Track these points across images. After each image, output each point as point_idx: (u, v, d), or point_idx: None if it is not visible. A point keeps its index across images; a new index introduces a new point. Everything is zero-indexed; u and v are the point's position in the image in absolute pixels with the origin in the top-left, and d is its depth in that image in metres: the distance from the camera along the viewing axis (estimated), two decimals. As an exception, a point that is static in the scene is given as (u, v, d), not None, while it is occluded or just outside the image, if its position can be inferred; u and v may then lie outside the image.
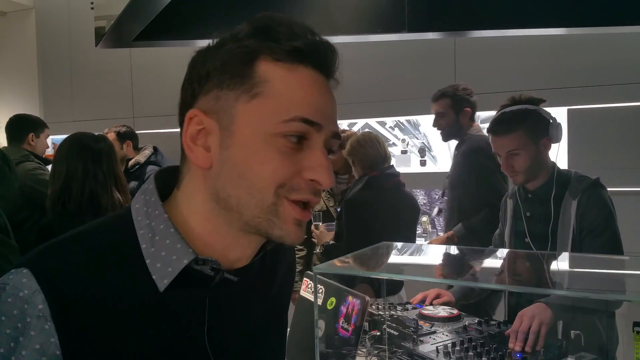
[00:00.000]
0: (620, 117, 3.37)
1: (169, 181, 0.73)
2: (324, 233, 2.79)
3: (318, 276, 1.55)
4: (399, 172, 2.69)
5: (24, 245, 2.11)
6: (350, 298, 1.44)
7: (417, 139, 4.20)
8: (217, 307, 0.71)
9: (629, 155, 3.31)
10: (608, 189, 1.81)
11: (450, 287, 2.02)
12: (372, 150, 2.59)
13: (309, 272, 1.75)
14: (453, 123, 2.84)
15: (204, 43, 0.71)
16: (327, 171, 0.65)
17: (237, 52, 0.65)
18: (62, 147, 2.09)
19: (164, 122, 4.48)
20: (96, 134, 2.21)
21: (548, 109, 1.87)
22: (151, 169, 3.52)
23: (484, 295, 2.00)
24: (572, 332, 1.48)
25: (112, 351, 0.63)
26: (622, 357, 1.09)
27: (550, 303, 1.51)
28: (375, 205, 2.54)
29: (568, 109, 3.46)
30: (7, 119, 3.23)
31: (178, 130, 0.72)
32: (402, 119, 4.21)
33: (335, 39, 3.07)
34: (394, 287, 2.46)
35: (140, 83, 5.20)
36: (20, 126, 3.21)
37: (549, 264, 1.54)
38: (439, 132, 2.92)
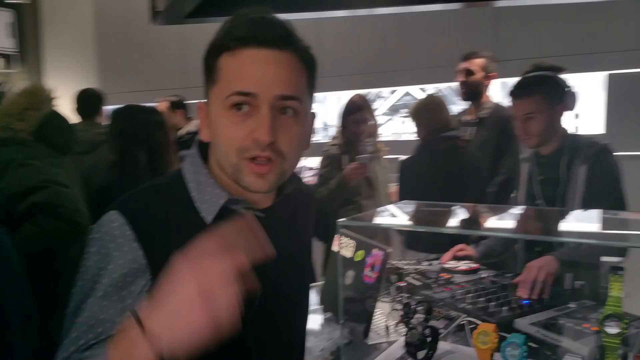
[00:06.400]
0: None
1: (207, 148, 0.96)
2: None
3: (351, 232, 1.75)
4: (457, 135, 2.64)
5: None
6: (374, 250, 1.63)
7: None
8: None
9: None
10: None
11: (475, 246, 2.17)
12: (432, 114, 2.64)
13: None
14: (478, 85, 2.94)
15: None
16: (263, 129, 0.82)
17: (207, 52, 0.89)
18: (117, 121, 2.34)
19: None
20: (146, 105, 2.45)
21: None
22: None
23: (504, 255, 2.13)
24: (577, 282, 1.61)
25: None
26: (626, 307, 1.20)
27: (558, 256, 1.65)
28: (424, 169, 2.59)
29: (609, 74, 3.43)
30: (65, 91, 3.15)
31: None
32: (443, 85, 4.27)
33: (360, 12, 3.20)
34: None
35: (194, 54, 5.42)
36: (92, 101, 3.37)
37: (559, 219, 1.67)
38: (462, 90, 3.00)
